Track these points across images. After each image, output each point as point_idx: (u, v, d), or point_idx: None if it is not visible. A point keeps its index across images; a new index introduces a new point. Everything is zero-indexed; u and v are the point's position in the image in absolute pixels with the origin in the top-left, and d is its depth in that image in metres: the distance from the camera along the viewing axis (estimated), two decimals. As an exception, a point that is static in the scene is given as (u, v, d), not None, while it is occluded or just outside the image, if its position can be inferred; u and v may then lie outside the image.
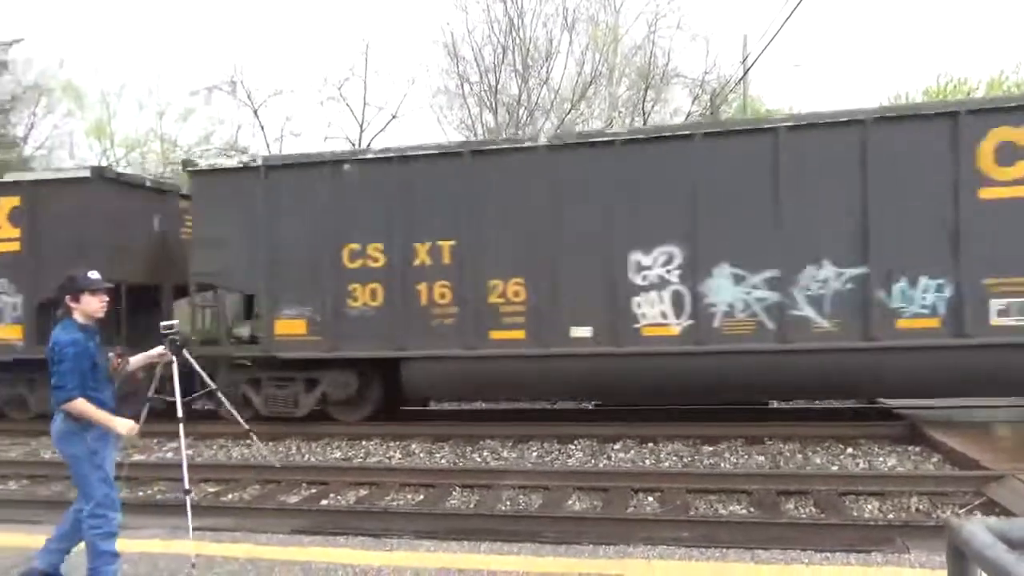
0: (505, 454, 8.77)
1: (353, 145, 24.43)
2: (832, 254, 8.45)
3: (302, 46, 44.19)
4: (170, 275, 11.18)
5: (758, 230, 8.60)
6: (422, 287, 9.45)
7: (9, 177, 11.41)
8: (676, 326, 8.82)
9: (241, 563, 4.69)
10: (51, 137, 32.13)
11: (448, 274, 9.40)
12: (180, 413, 4.70)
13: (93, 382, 3.94)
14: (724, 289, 8.69)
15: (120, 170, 17.13)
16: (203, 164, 10.81)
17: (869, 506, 6.41)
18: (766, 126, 8.86)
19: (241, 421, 6.35)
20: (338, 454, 9.11)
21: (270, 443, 9.70)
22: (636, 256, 8.92)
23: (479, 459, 8.63)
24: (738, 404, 10.42)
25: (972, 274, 8.10)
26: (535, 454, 8.72)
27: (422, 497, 7.13)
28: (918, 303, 8.28)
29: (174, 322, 4.76)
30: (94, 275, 4.08)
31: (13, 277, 10.57)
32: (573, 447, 8.86)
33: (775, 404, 10.89)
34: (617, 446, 8.77)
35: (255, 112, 25.77)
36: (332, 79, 36.84)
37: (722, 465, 7.91)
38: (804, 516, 6.20)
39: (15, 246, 10.58)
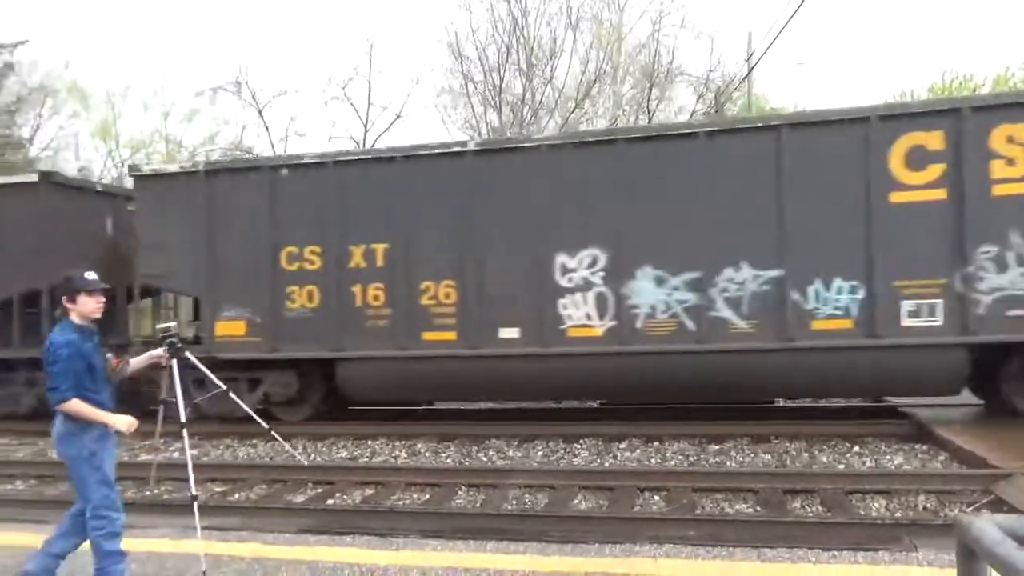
0: (511, 453, 8.77)
1: (357, 144, 24.48)
2: (750, 256, 8.65)
3: (307, 46, 44.33)
4: (123, 277, 11.20)
5: (678, 233, 8.80)
6: (357, 289, 9.71)
7: None
8: (600, 327, 9.04)
9: (248, 562, 4.70)
10: (56, 138, 32.33)
11: (382, 276, 9.64)
12: (183, 418, 4.65)
13: (90, 383, 3.92)
14: (646, 291, 8.91)
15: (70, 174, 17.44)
16: (147, 169, 11.04)
17: (876, 505, 6.39)
18: (686, 131, 9.08)
19: (261, 422, 6.32)
20: (344, 454, 9.12)
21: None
22: (562, 258, 9.14)
23: (485, 458, 8.63)
24: (663, 403, 10.44)
25: (884, 276, 8.30)
26: (540, 453, 8.72)
27: (428, 496, 7.13)
28: (832, 305, 8.47)
29: (171, 324, 4.68)
30: (91, 276, 4.05)
31: None
32: (579, 446, 8.86)
33: (781, 402, 10.87)
34: (623, 445, 8.77)
35: (260, 112, 25.86)
36: (336, 79, 37.03)
37: (728, 464, 7.90)
38: (811, 515, 6.18)
39: None
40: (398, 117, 25.35)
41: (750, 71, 21.35)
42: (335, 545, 5.04)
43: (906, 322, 8.29)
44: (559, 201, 9.14)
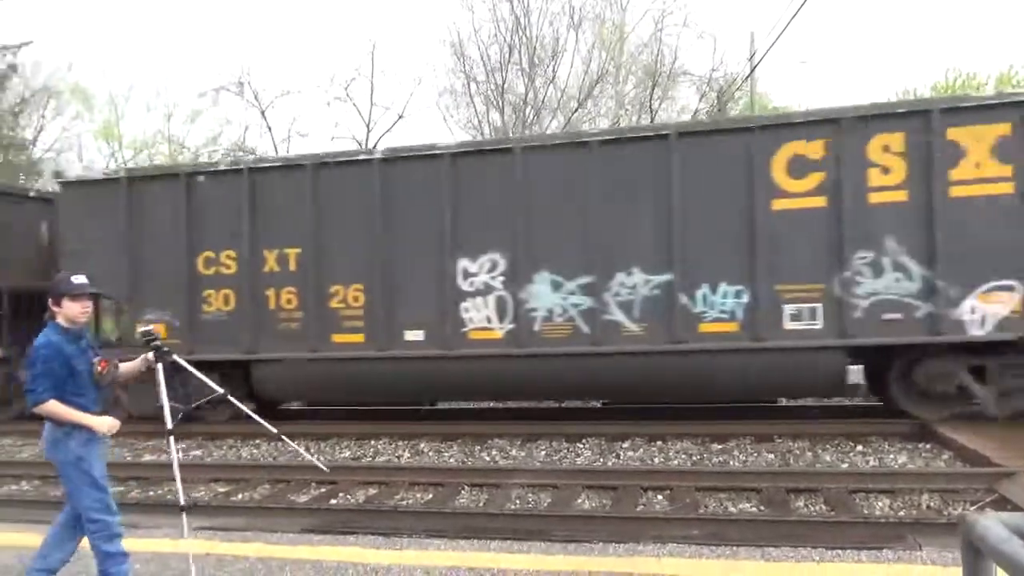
0: (514, 453, 8.77)
1: (360, 145, 24.44)
2: (641, 262, 8.94)
3: (309, 46, 44.34)
4: None
5: (574, 239, 9.10)
6: (271, 292, 10.02)
7: None
8: (500, 330, 9.34)
9: (251, 562, 4.70)
10: (60, 140, 32.39)
11: (294, 280, 9.95)
12: (169, 424, 4.47)
13: (72, 386, 3.87)
14: (543, 295, 9.21)
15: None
16: (72, 176, 11.40)
17: (880, 503, 6.38)
18: (580, 140, 9.33)
19: (269, 427, 6.15)
20: (347, 453, 9.13)
21: (278, 443, 9.75)
22: (464, 263, 9.44)
23: (488, 458, 8.64)
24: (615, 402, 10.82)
25: (767, 281, 8.59)
26: (544, 453, 8.72)
27: (431, 496, 7.13)
28: (718, 308, 8.77)
29: (151, 327, 4.53)
30: (77, 279, 3.99)
31: None
32: (581, 446, 8.85)
33: (783, 402, 10.86)
34: (626, 444, 8.77)
35: (262, 113, 25.79)
36: (339, 79, 37.05)
37: (731, 463, 7.89)
38: (814, 514, 6.17)
39: None
40: (400, 117, 25.30)
41: (753, 70, 21.32)
42: (339, 545, 5.04)
43: (788, 325, 8.59)
44: (461, 207, 9.45)
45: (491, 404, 11.85)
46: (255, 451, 9.48)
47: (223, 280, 10.17)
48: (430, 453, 8.97)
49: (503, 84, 24.37)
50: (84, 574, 4.38)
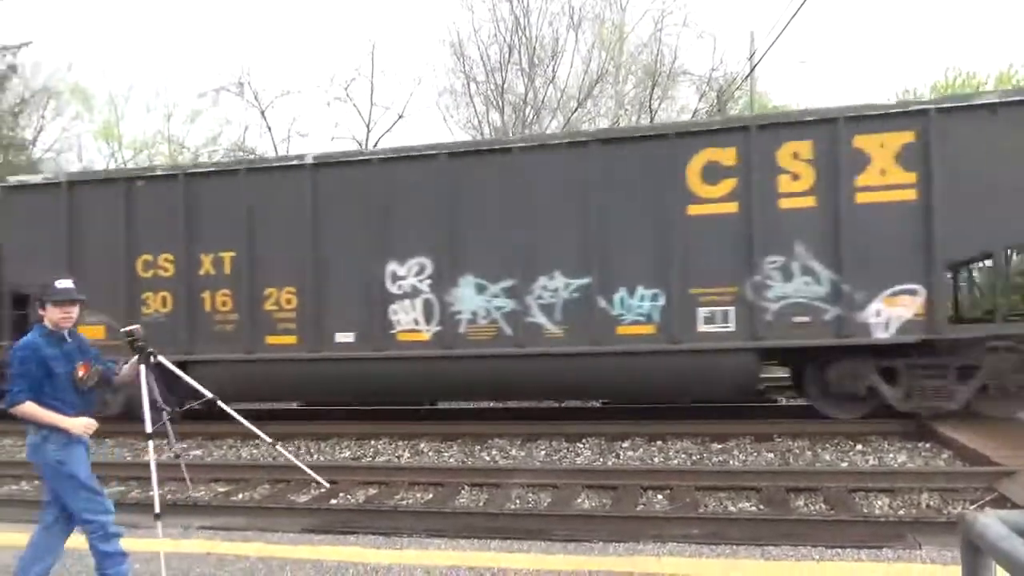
0: (514, 453, 8.78)
1: (360, 145, 24.45)
2: (562, 265, 9.12)
3: (309, 46, 44.34)
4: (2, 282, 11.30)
5: (497, 242, 9.29)
6: (206, 295, 10.22)
7: None
8: (427, 332, 9.53)
9: (252, 562, 4.70)
10: (60, 140, 32.41)
11: (229, 283, 10.15)
12: (149, 428, 4.38)
13: (50, 388, 3.85)
14: (468, 298, 9.41)
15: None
16: (13, 180, 11.43)
17: (879, 502, 6.38)
18: (499, 147, 9.59)
19: (264, 436, 6.10)
20: (347, 453, 9.13)
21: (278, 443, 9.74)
22: (392, 266, 9.64)
23: (488, 458, 8.64)
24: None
25: (682, 284, 8.78)
26: (543, 453, 8.73)
27: (431, 496, 7.13)
28: (636, 311, 8.94)
29: (134, 327, 4.42)
30: (61, 284, 3.97)
31: None
32: (581, 445, 8.86)
33: (783, 401, 10.86)
34: (626, 444, 8.77)
35: (262, 113, 25.80)
36: (339, 79, 37.04)
37: (731, 462, 7.90)
38: (814, 513, 6.18)
39: None
40: (400, 117, 25.32)
41: (752, 70, 21.33)
42: (339, 544, 5.05)
43: (702, 328, 8.76)
44: (390, 212, 9.63)
45: (491, 404, 11.85)
46: (255, 451, 9.48)
47: (161, 283, 10.38)
48: (430, 453, 8.97)
49: (503, 84, 24.37)
50: (85, 574, 4.38)
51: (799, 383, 9.60)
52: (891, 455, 7.83)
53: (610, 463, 8.13)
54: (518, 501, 6.92)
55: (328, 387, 10.05)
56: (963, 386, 8.45)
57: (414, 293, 9.55)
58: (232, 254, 10.13)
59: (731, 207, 8.73)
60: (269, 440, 5.63)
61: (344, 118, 35.51)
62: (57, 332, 3.96)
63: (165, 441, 9.86)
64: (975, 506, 6.14)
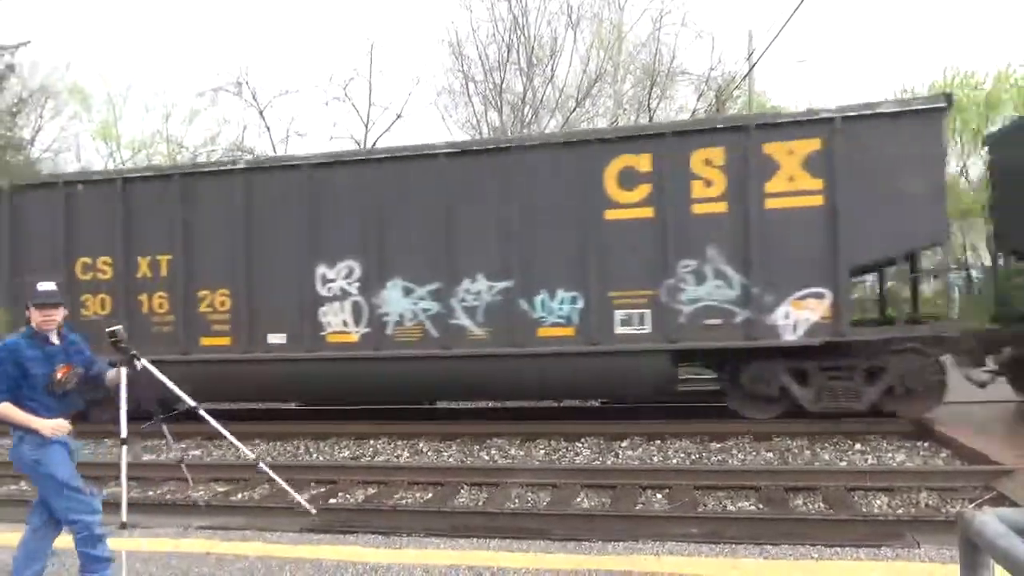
0: (513, 452, 8.78)
1: (358, 144, 24.44)
2: (485, 269, 9.33)
3: (307, 46, 44.33)
4: None
5: (422, 246, 9.51)
6: (144, 297, 10.43)
7: None
8: (356, 333, 9.73)
9: (251, 561, 4.70)
10: (58, 140, 32.42)
11: (165, 286, 10.38)
12: (124, 433, 4.23)
13: (28, 390, 3.84)
14: (395, 300, 9.62)
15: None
16: None
17: (878, 501, 6.39)
18: (430, 152, 9.70)
19: (247, 451, 5.83)
20: (346, 453, 9.13)
21: (277, 443, 9.76)
22: (322, 270, 9.85)
23: (487, 457, 8.64)
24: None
25: (600, 288, 8.98)
26: (542, 452, 8.73)
27: (430, 495, 7.14)
28: (556, 313, 9.15)
29: (117, 328, 4.28)
30: (43, 287, 3.97)
31: None
32: (580, 445, 8.86)
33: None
34: (624, 443, 8.78)
35: (261, 113, 25.79)
36: (337, 79, 37.02)
37: (730, 462, 7.90)
38: (813, 512, 6.18)
39: None
40: (399, 117, 25.33)
41: (751, 69, 21.34)
42: (338, 544, 5.04)
43: (619, 330, 8.96)
44: (320, 216, 9.86)
45: (491, 404, 11.85)
46: (254, 451, 9.46)
47: (100, 285, 10.54)
48: (429, 453, 8.97)
49: (501, 83, 24.36)
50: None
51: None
52: (890, 454, 7.84)
53: (609, 462, 8.13)
54: (517, 500, 6.92)
55: (261, 387, 10.24)
56: (870, 387, 8.67)
57: (343, 296, 9.75)
58: (168, 257, 10.35)
59: (647, 212, 8.92)
60: (252, 456, 5.47)
61: (343, 118, 35.60)
62: (41, 334, 3.94)
63: (164, 442, 9.85)
64: (973, 504, 6.15)
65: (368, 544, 5.00)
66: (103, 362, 4.28)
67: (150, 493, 7.67)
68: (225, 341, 10.05)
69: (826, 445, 8.31)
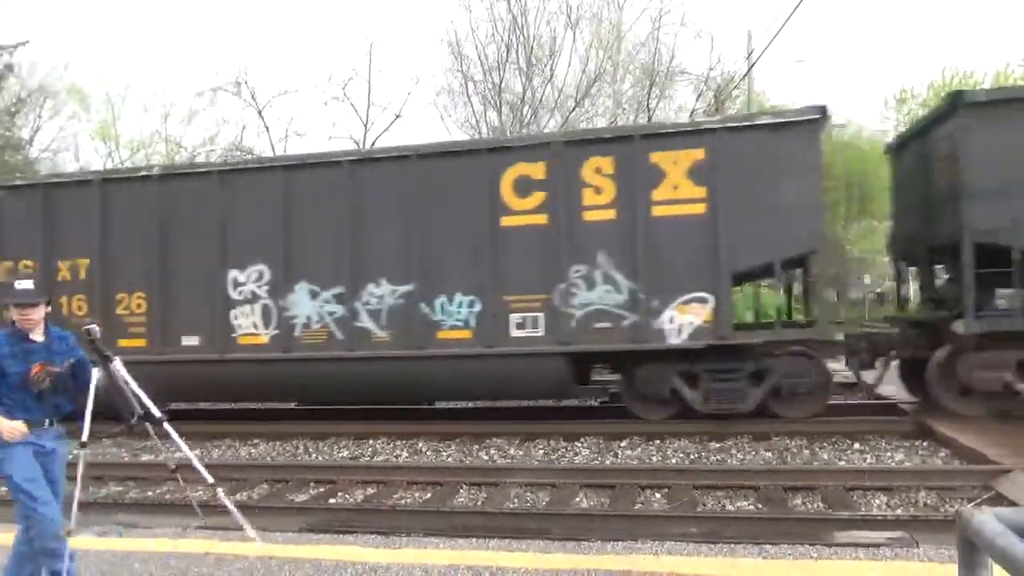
0: (512, 452, 8.78)
1: (357, 144, 24.42)
2: (388, 273, 9.56)
3: (306, 46, 44.33)
4: None
5: (329, 250, 9.71)
6: (64, 300, 10.50)
7: None
8: (265, 335, 9.96)
9: (251, 561, 4.70)
10: (56, 139, 32.37)
11: (84, 288, 10.54)
12: (85, 436, 4.12)
13: (4, 388, 3.80)
14: (303, 303, 9.83)
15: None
16: None
17: (877, 501, 6.40)
18: (333, 160, 9.98)
19: (204, 472, 5.57)
20: (345, 453, 9.13)
21: (276, 442, 9.76)
22: (234, 273, 10.06)
23: (486, 457, 8.65)
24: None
25: (496, 292, 9.20)
26: (542, 452, 8.73)
27: (429, 495, 7.14)
28: (455, 317, 9.39)
29: (91, 326, 4.24)
30: (20, 286, 3.92)
31: None
32: (580, 444, 8.87)
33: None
34: (623, 443, 8.78)
35: (259, 112, 25.73)
36: (336, 79, 36.95)
37: (729, 461, 7.91)
38: (812, 511, 6.19)
39: None
40: (398, 117, 25.31)
41: (750, 69, 21.36)
42: (338, 544, 5.04)
43: (515, 333, 9.19)
44: (231, 221, 10.05)
45: (490, 404, 11.84)
46: (253, 451, 9.48)
47: None
48: (428, 452, 8.97)
49: (500, 83, 24.33)
50: (85, 573, 4.37)
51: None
52: (889, 454, 7.84)
53: (608, 462, 8.14)
54: (516, 500, 6.92)
55: (176, 388, 10.29)
56: (756, 389, 8.83)
57: (254, 299, 9.96)
58: (87, 261, 10.52)
59: (541, 219, 9.16)
60: (211, 480, 5.34)
61: (342, 117, 35.53)
62: (21, 331, 3.90)
63: (165, 443, 9.85)
64: (972, 504, 6.15)
65: (367, 544, 5.00)
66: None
67: (148, 493, 7.67)
68: (141, 343, 10.21)
69: (825, 444, 8.32)
